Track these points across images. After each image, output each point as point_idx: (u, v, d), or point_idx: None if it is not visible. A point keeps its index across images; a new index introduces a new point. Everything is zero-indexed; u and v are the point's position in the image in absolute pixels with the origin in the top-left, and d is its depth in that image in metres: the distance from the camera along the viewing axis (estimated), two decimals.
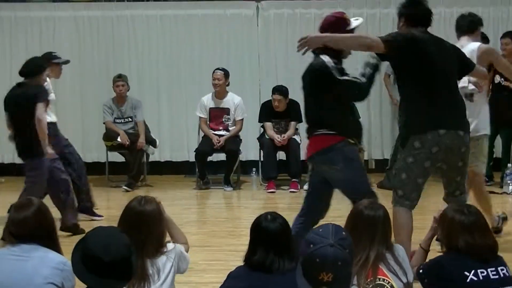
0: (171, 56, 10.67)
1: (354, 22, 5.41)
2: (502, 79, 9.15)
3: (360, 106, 9.79)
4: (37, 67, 6.90)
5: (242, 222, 7.82)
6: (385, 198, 7.86)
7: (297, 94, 9.94)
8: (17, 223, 3.71)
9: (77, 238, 3.11)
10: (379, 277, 3.63)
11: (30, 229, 3.67)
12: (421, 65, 5.02)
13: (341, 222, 3.15)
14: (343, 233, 2.90)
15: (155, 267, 3.79)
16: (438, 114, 5.01)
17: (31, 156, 6.85)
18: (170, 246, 3.92)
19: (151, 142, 9.88)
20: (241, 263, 3.70)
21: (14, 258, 3.62)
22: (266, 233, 3.58)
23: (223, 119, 9.82)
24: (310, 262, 2.82)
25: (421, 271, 3.75)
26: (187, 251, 4.14)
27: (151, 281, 3.75)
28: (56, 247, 3.75)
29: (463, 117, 5.18)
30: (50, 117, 7.31)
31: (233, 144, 9.66)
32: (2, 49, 10.61)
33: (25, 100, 6.75)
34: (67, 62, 8.00)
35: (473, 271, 3.57)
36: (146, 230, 3.81)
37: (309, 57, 5.44)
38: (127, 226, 3.75)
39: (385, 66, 9.86)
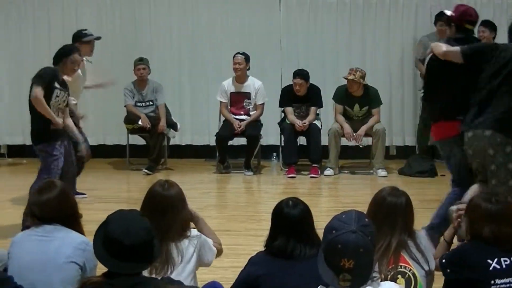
0: (193, 39, 10.65)
1: None
2: None
3: (382, 93, 9.86)
4: (55, 57, 6.83)
5: (262, 207, 7.83)
6: (406, 185, 7.88)
7: (317, 79, 10.00)
8: (40, 205, 3.78)
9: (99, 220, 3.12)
10: (401, 264, 3.62)
11: (53, 211, 3.75)
12: None
13: (361, 209, 3.12)
14: (366, 220, 2.88)
15: (178, 250, 3.79)
16: None
17: (37, 142, 6.76)
18: (194, 232, 3.91)
19: (172, 125, 9.88)
20: (261, 248, 3.70)
21: (37, 238, 3.71)
22: (288, 219, 3.57)
23: (244, 104, 9.80)
24: (331, 248, 2.80)
25: (443, 261, 3.73)
26: (219, 254, 4.13)
27: (174, 264, 3.75)
28: (78, 229, 3.82)
29: None
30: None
31: (253, 129, 9.65)
32: (25, 31, 10.63)
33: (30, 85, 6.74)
34: (98, 38, 7.98)
35: (496, 259, 3.55)
36: (170, 214, 3.81)
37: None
38: (150, 210, 3.76)
39: (419, 52, 9.79)
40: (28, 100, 6.70)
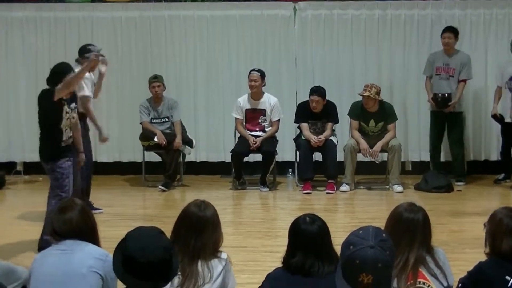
0: (208, 56, 10.68)
1: None
2: None
3: (397, 108, 9.87)
4: (54, 77, 6.79)
5: (278, 223, 7.81)
6: (423, 201, 7.85)
7: (333, 94, 10.00)
8: (62, 222, 3.88)
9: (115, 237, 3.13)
10: (420, 280, 3.60)
11: (74, 227, 3.86)
12: None
13: (378, 225, 3.11)
14: (384, 235, 2.86)
15: (208, 269, 3.80)
16: None
17: (47, 160, 6.77)
18: (223, 254, 3.92)
19: (187, 142, 9.89)
20: (278, 264, 3.69)
21: (59, 252, 3.80)
22: (305, 236, 3.56)
23: (259, 120, 9.81)
24: (349, 264, 2.78)
25: (460, 285, 3.71)
26: None
27: (203, 282, 3.76)
28: (98, 245, 3.87)
29: None
30: None
31: (269, 145, 9.65)
32: (42, 49, 10.69)
33: (38, 101, 6.76)
34: (100, 53, 7.91)
35: None
36: (205, 234, 3.84)
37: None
38: (186, 230, 3.81)
39: (425, 69, 9.89)
40: (38, 119, 6.74)
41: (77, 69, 6.97)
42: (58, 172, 6.62)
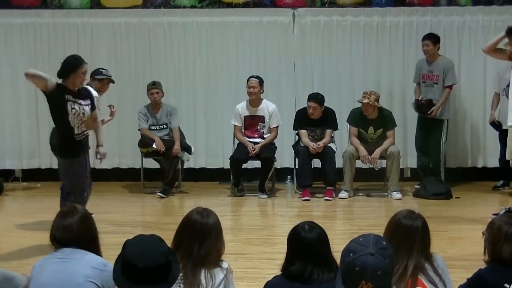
0: (207, 63, 10.68)
1: None
2: None
3: (396, 114, 9.89)
4: (65, 69, 6.80)
5: (277, 230, 7.81)
6: (421, 208, 7.85)
7: (332, 101, 10.01)
8: (62, 228, 3.84)
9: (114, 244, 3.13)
10: (419, 287, 3.59)
11: (74, 235, 3.81)
12: None
13: (376, 232, 3.11)
14: (384, 242, 2.87)
15: (210, 276, 3.78)
16: None
17: (58, 155, 6.90)
18: (225, 264, 3.91)
19: (186, 148, 9.89)
20: (277, 271, 3.68)
21: (57, 260, 3.77)
22: (304, 244, 3.55)
23: (258, 127, 9.81)
24: (349, 271, 2.78)
25: None
26: None
27: None
28: (97, 253, 3.86)
29: None
30: None
31: (268, 152, 9.65)
32: (41, 55, 10.69)
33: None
34: (110, 79, 8.14)
35: None
36: (208, 242, 3.82)
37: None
38: (188, 238, 3.81)
39: (414, 77, 9.95)
40: (51, 118, 6.85)
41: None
42: (68, 169, 6.68)
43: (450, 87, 9.72)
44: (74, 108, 6.63)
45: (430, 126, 9.81)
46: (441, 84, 9.68)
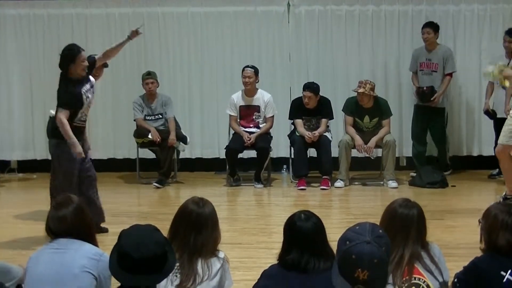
0: (202, 53, 10.66)
1: None
2: None
3: (392, 103, 9.88)
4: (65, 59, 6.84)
5: (273, 219, 7.82)
6: (417, 197, 7.85)
7: (327, 90, 10.00)
8: (57, 219, 3.83)
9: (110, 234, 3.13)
10: (415, 276, 3.60)
11: (68, 226, 3.80)
12: None
13: (372, 221, 3.11)
14: (380, 231, 2.87)
15: (207, 266, 3.79)
16: None
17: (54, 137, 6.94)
18: (221, 253, 3.92)
19: (182, 139, 9.88)
20: (273, 261, 3.69)
21: (52, 251, 3.76)
22: (301, 233, 3.56)
23: (254, 117, 9.80)
24: (346, 259, 2.79)
25: (455, 280, 3.72)
26: None
27: (200, 280, 3.76)
28: (93, 243, 3.87)
29: None
30: None
31: (263, 141, 9.64)
32: (35, 47, 10.66)
33: None
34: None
35: (509, 271, 3.54)
36: (205, 231, 3.83)
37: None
38: (184, 227, 3.81)
39: (411, 65, 9.95)
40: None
41: None
42: (60, 152, 6.75)
43: (451, 74, 9.76)
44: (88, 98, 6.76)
45: (431, 115, 9.84)
46: (440, 72, 9.71)
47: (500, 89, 9.35)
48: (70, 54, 6.77)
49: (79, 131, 6.81)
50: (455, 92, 10.41)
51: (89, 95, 6.82)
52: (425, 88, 9.69)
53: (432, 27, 9.74)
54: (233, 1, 10.62)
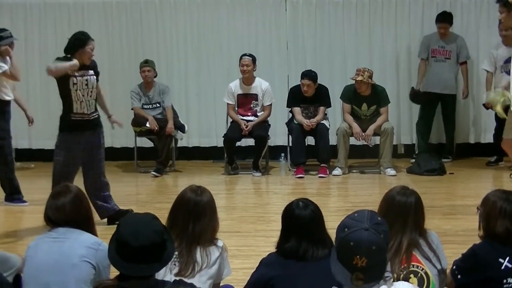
0: (199, 41, 10.64)
1: None
2: None
3: (390, 91, 9.87)
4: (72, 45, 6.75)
5: (271, 208, 7.81)
6: (415, 184, 7.86)
7: (325, 78, 9.98)
8: (55, 209, 3.82)
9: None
10: (413, 263, 3.60)
11: (67, 215, 3.80)
12: None
13: (370, 208, 3.12)
14: (378, 218, 2.87)
15: (206, 254, 3.79)
16: None
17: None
18: (219, 242, 3.92)
19: (179, 127, 9.87)
20: (271, 249, 3.69)
21: (51, 240, 3.76)
22: (299, 221, 3.56)
23: (251, 105, 9.79)
24: (344, 246, 2.79)
25: (454, 267, 3.72)
26: None
27: (199, 268, 3.76)
28: (92, 232, 3.87)
29: None
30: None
31: (261, 130, 9.63)
32: (31, 36, 10.63)
33: None
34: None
35: (508, 258, 3.54)
36: (203, 220, 3.82)
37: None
38: (182, 216, 3.81)
39: (420, 52, 9.94)
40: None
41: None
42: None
43: (466, 63, 9.85)
44: (76, 84, 6.61)
45: (448, 103, 10.04)
46: (453, 60, 9.87)
47: (506, 76, 9.33)
48: (83, 38, 6.70)
49: (77, 124, 6.73)
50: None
51: (76, 82, 6.65)
52: (420, 91, 9.88)
53: (449, 21, 9.86)
54: None
